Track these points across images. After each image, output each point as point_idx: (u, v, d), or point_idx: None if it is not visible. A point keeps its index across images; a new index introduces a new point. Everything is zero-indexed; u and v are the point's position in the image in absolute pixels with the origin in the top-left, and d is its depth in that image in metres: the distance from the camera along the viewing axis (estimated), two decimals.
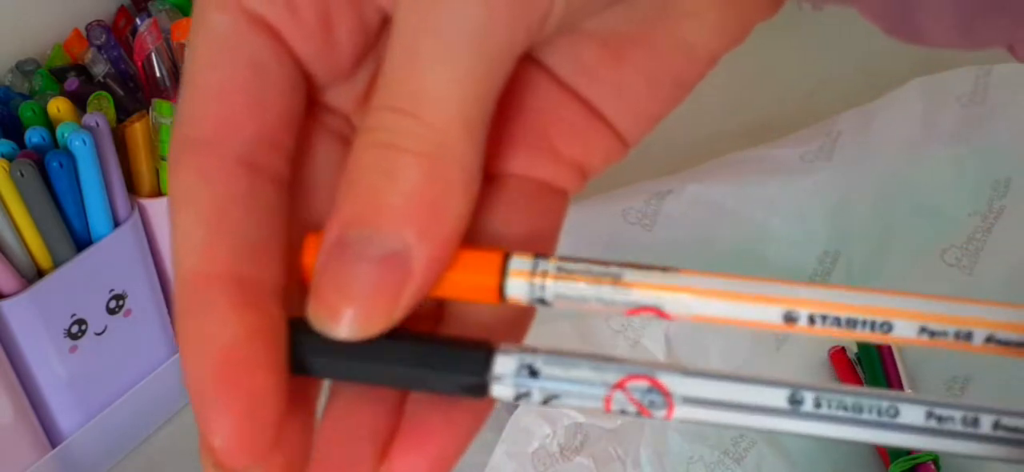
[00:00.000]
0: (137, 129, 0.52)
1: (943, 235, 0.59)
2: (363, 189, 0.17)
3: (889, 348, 0.55)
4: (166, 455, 0.57)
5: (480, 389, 0.18)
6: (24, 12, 0.56)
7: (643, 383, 0.18)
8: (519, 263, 0.19)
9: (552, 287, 0.19)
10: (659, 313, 0.19)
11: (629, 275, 0.19)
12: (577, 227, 0.61)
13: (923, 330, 0.18)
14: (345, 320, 0.17)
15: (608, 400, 0.18)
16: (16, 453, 0.51)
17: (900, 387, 0.53)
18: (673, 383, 0.18)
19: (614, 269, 0.19)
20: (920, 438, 0.18)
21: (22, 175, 0.47)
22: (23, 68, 0.54)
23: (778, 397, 0.18)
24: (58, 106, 0.50)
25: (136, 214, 0.53)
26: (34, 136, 0.49)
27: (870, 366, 0.55)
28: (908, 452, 0.50)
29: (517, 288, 0.19)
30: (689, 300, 0.18)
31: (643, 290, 0.19)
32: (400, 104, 0.17)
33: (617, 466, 0.50)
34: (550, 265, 0.19)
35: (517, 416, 0.50)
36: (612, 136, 0.22)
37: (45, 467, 0.52)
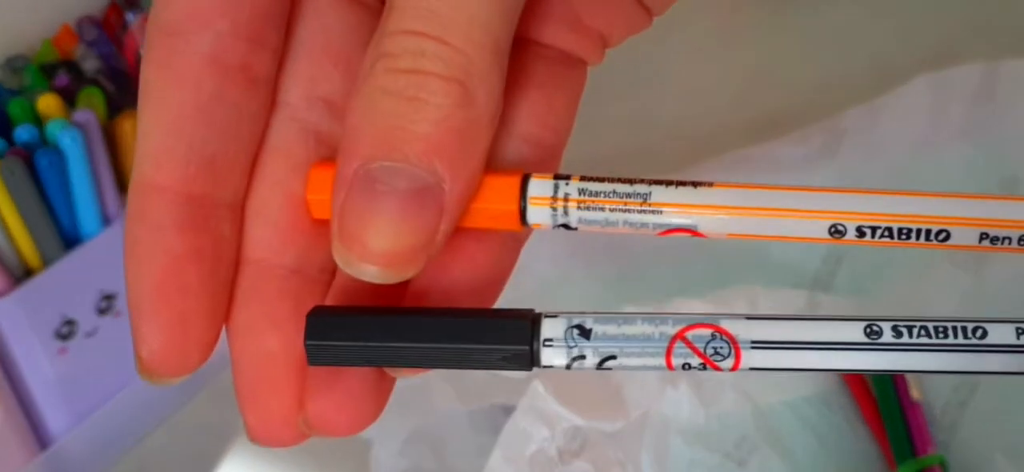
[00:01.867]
0: (127, 126, 0.51)
1: None
2: (386, 116, 0.16)
3: None
4: (158, 458, 0.56)
5: (530, 358, 0.17)
6: (13, 7, 0.55)
7: (706, 331, 0.17)
8: (539, 187, 0.18)
9: (575, 213, 0.18)
10: (694, 234, 0.18)
11: (658, 193, 0.18)
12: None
13: (984, 236, 0.17)
14: (377, 259, 0.16)
15: (669, 353, 0.17)
16: (4, 456, 0.50)
17: (906, 391, 0.52)
18: (738, 328, 0.17)
19: (641, 188, 0.18)
20: (1013, 358, 0.16)
21: (11, 173, 0.46)
22: (12, 64, 0.54)
23: (854, 331, 0.16)
24: (47, 102, 0.49)
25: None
26: (23, 133, 0.48)
27: None
28: (914, 455, 0.49)
29: (539, 215, 0.18)
30: (726, 219, 0.17)
31: (675, 210, 0.17)
32: (422, 27, 0.16)
33: (617, 470, 0.49)
34: (572, 187, 0.18)
35: (515, 419, 0.49)
36: (636, 5, 0.21)
37: (34, 471, 0.52)
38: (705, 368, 0.17)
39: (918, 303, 0.56)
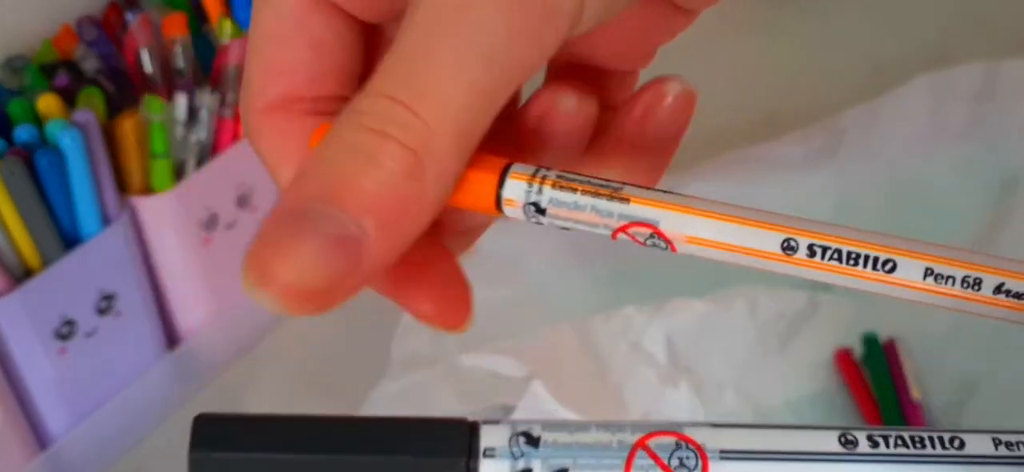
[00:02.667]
0: (127, 126, 0.51)
1: (951, 234, 0.58)
2: (339, 166, 0.17)
3: (895, 350, 0.54)
4: (157, 459, 0.56)
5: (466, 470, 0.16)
6: (13, 7, 0.55)
7: (669, 439, 0.16)
8: (519, 168, 0.18)
9: (549, 193, 0.18)
10: (654, 230, 0.18)
11: (629, 190, 0.18)
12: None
13: (929, 272, 0.17)
14: (275, 287, 0.16)
15: (629, 465, 0.16)
16: (4, 456, 0.50)
17: (906, 391, 0.52)
18: (704, 436, 0.16)
19: (615, 184, 0.18)
20: (990, 469, 0.16)
21: (11, 173, 0.46)
22: (12, 64, 0.54)
23: (828, 440, 0.16)
24: (47, 103, 0.49)
25: (126, 212, 0.52)
26: (23, 133, 0.48)
27: (876, 368, 0.54)
28: None
29: (514, 190, 0.18)
30: (687, 219, 0.17)
31: (641, 205, 0.18)
32: (400, 95, 0.17)
33: None
34: (550, 173, 0.18)
35: None
36: None
37: (34, 470, 0.52)
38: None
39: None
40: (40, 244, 0.48)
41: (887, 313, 0.55)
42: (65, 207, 0.49)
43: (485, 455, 0.16)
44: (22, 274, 0.48)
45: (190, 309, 0.58)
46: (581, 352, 0.52)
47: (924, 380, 0.54)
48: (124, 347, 0.54)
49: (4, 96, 0.50)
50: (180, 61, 0.54)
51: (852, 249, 0.17)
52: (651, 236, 0.18)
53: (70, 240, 0.50)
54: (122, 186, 0.52)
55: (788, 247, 0.17)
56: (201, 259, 0.57)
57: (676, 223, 0.17)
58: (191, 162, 0.54)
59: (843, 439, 0.16)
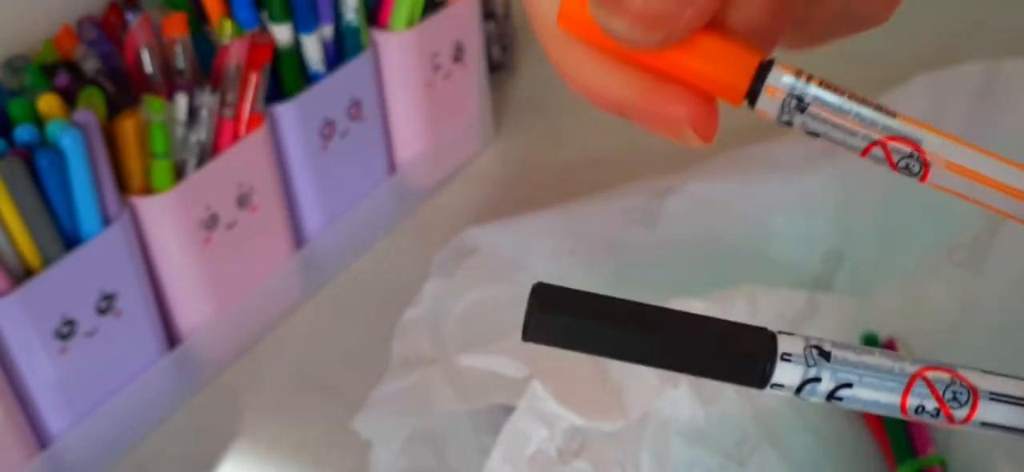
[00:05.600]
0: (128, 126, 0.51)
1: (950, 234, 0.58)
2: None
3: (894, 348, 0.54)
4: (158, 458, 0.56)
5: (762, 374, 0.17)
6: (14, 8, 0.55)
7: (945, 375, 0.16)
8: (777, 77, 0.18)
9: (815, 90, 0.18)
10: (917, 148, 0.18)
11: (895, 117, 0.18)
12: (576, 227, 0.60)
13: None
14: (626, 14, 0.18)
15: (907, 392, 0.16)
16: (5, 456, 0.50)
17: None
18: (976, 378, 0.16)
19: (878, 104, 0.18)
20: None
21: (11, 173, 0.46)
22: (12, 64, 0.54)
23: None
24: (48, 103, 0.49)
25: (126, 212, 0.52)
26: (23, 133, 0.48)
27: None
28: (914, 455, 0.49)
29: (779, 79, 0.18)
30: (950, 146, 0.18)
31: (907, 123, 0.18)
32: None
33: (617, 470, 0.49)
34: (810, 89, 0.18)
35: (515, 419, 0.49)
36: None
37: (34, 470, 0.52)
38: (939, 415, 0.16)
39: (918, 302, 0.56)
40: (40, 244, 0.48)
41: (887, 313, 0.55)
42: (65, 207, 0.49)
43: (782, 359, 0.17)
44: (22, 274, 0.48)
45: (190, 309, 0.58)
46: None
47: None
48: (124, 347, 0.54)
49: (4, 96, 0.50)
50: (180, 61, 0.54)
51: None
52: (910, 155, 0.18)
53: (70, 240, 0.50)
54: (122, 186, 0.52)
55: None
56: (201, 259, 0.57)
57: (939, 146, 0.18)
58: (191, 162, 0.54)
59: None
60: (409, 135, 0.70)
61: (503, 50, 0.83)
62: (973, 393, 0.16)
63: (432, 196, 0.72)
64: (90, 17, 0.57)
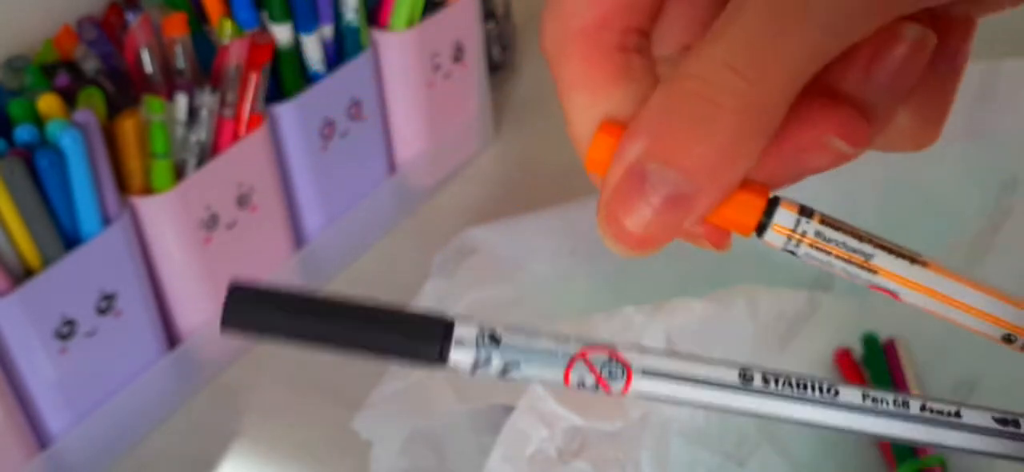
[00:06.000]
0: (128, 126, 0.51)
1: (950, 233, 0.58)
2: (675, 128, 0.19)
3: (895, 350, 0.54)
4: (157, 458, 0.56)
5: (439, 354, 0.19)
6: (14, 8, 0.55)
7: (603, 354, 0.19)
8: (784, 217, 0.20)
9: (804, 250, 0.20)
10: (895, 297, 0.20)
11: (879, 258, 0.20)
12: (576, 227, 0.60)
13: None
14: (626, 239, 0.20)
15: (568, 372, 0.19)
16: (5, 456, 0.50)
17: (906, 389, 0.52)
18: (632, 356, 0.19)
19: (867, 248, 0.20)
20: (857, 417, 0.19)
21: (11, 173, 0.46)
22: (13, 64, 0.54)
23: (730, 375, 0.20)
24: (48, 102, 0.49)
25: (126, 212, 0.52)
26: (23, 133, 0.48)
27: (876, 368, 0.54)
28: (914, 454, 0.49)
29: (774, 238, 0.20)
30: (925, 299, 0.20)
31: (887, 277, 0.20)
32: (737, 64, 0.18)
33: (617, 470, 0.49)
34: (811, 227, 0.20)
35: (514, 419, 0.49)
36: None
37: (34, 470, 0.52)
38: (597, 388, 0.19)
39: None
40: (40, 244, 0.48)
41: (887, 313, 0.55)
42: (65, 207, 0.49)
43: (456, 343, 0.19)
44: (22, 274, 0.48)
45: (190, 309, 0.58)
46: None
47: (924, 380, 0.54)
48: (124, 347, 0.54)
49: (4, 96, 0.50)
50: (180, 61, 0.54)
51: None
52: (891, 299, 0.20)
53: (70, 240, 0.50)
54: (122, 186, 0.52)
55: (1007, 339, 0.20)
56: (201, 259, 0.57)
57: (914, 298, 0.20)
58: (191, 162, 0.54)
59: (742, 375, 0.19)
60: (409, 135, 0.70)
61: (503, 50, 0.83)
62: (627, 369, 0.19)
63: (432, 196, 0.72)
64: (90, 17, 0.57)
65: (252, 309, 0.19)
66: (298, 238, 0.65)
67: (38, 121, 0.49)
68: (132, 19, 0.54)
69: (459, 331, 0.19)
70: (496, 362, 0.19)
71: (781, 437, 0.50)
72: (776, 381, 0.19)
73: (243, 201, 0.58)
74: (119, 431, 0.55)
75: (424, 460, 0.51)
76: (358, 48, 0.63)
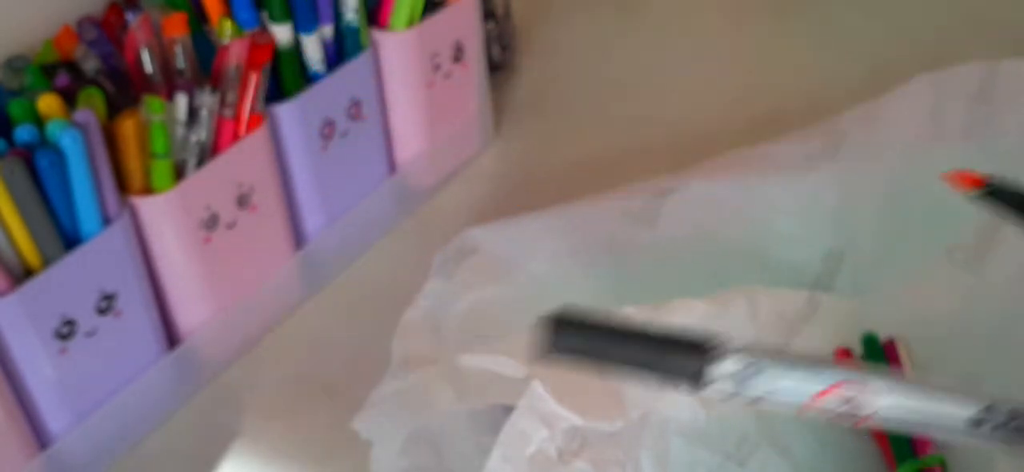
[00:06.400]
0: (128, 126, 0.51)
1: (950, 234, 0.58)
2: None
3: (895, 350, 0.54)
4: (158, 459, 0.56)
5: (702, 380, 0.20)
6: (14, 8, 0.55)
7: (850, 392, 0.19)
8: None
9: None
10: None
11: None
12: (576, 227, 0.60)
13: None
14: None
15: (814, 400, 0.20)
16: (4, 456, 0.50)
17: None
18: (878, 401, 0.19)
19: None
20: None
21: (11, 173, 0.46)
22: (12, 64, 0.54)
23: (961, 415, 0.19)
24: (48, 103, 0.49)
25: (126, 213, 0.52)
26: (23, 133, 0.48)
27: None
28: (914, 455, 0.49)
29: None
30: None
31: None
32: None
33: (617, 470, 0.49)
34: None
35: (514, 419, 0.49)
36: None
37: (34, 470, 0.52)
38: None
39: (918, 302, 0.56)
40: (40, 244, 0.48)
41: (887, 313, 0.55)
42: (65, 207, 0.49)
43: (719, 377, 0.20)
44: (22, 274, 0.48)
45: (190, 309, 0.58)
46: None
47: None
48: (124, 347, 0.54)
49: (4, 96, 0.50)
50: (180, 61, 0.54)
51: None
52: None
53: (70, 240, 0.50)
54: (122, 186, 0.52)
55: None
56: (201, 259, 0.57)
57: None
58: (191, 162, 0.54)
59: (976, 423, 0.19)
60: (409, 135, 0.70)
61: (503, 50, 0.83)
62: (869, 409, 0.19)
63: (432, 196, 0.72)
64: (90, 17, 0.57)
65: (574, 336, 0.23)
66: (298, 238, 0.65)
67: (38, 121, 0.49)
68: (132, 19, 0.54)
69: (723, 367, 0.20)
70: (750, 396, 0.20)
71: (781, 437, 0.50)
72: (1007, 423, 0.19)
73: (243, 201, 0.58)
74: (119, 431, 0.55)
75: (424, 460, 0.51)
76: (358, 48, 0.63)
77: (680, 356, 0.20)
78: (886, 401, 0.18)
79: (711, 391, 0.19)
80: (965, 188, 0.19)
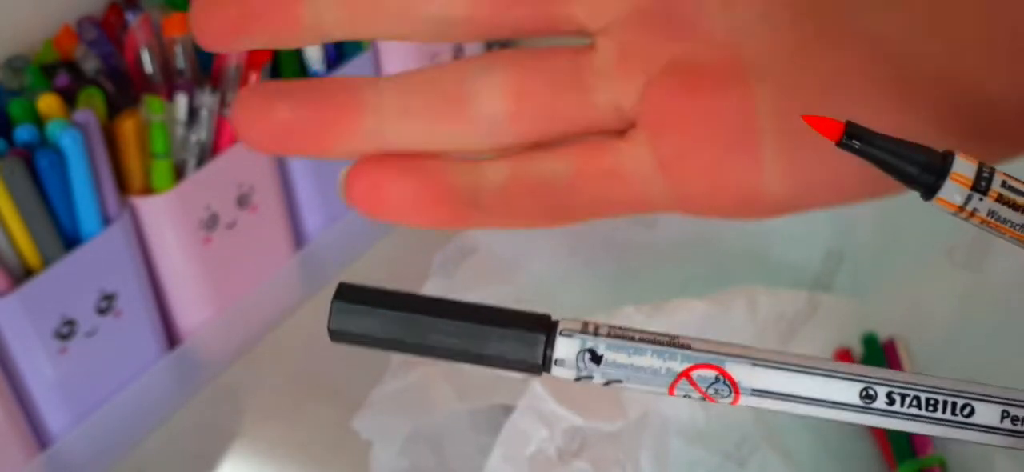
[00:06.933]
0: (128, 126, 0.51)
1: (950, 234, 0.58)
2: None
3: (894, 350, 0.54)
4: (158, 459, 0.56)
5: (540, 368, 0.18)
6: (14, 8, 0.55)
7: (710, 372, 0.18)
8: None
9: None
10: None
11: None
12: (576, 227, 0.60)
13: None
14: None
15: (672, 388, 0.18)
16: (4, 456, 0.50)
17: None
18: (741, 374, 0.18)
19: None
20: (993, 437, 0.18)
21: (11, 173, 0.46)
22: (12, 64, 0.54)
23: (850, 392, 0.18)
24: (48, 103, 0.49)
25: (126, 212, 0.52)
26: (23, 133, 0.48)
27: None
28: (914, 455, 0.49)
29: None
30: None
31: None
32: None
33: (617, 470, 0.49)
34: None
35: (514, 419, 0.49)
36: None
37: (34, 470, 0.52)
38: (703, 400, 0.18)
39: (918, 302, 0.56)
40: (40, 244, 0.48)
41: (887, 313, 0.55)
42: (65, 207, 0.49)
43: (555, 364, 0.18)
44: (22, 274, 0.48)
45: (190, 309, 0.58)
46: None
47: None
48: (124, 347, 0.54)
49: (4, 96, 0.50)
50: (180, 61, 0.54)
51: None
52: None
53: (70, 240, 0.50)
54: (122, 186, 0.52)
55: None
56: (201, 259, 0.57)
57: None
58: (191, 162, 0.54)
59: (864, 394, 0.18)
60: None
61: (503, 49, 0.83)
62: (734, 389, 0.18)
63: None
64: (90, 17, 0.57)
65: (361, 309, 0.20)
66: (298, 238, 0.65)
67: (38, 121, 0.49)
68: (132, 19, 0.54)
69: (559, 351, 0.18)
70: (598, 379, 0.18)
71: (781, 437, 0.50)
72: (902, 400, 0.17)
73: (243, 201, 0.58)
74: (119, 431, 0.55)
75: (424, 460, 0.51)
76: (358, 48, 0.63)
77: (509, 340, 0.18)
78: (757, 383, 0.18)
79: (556, 373, 0.18)
80: (827, 134, 0.19)
